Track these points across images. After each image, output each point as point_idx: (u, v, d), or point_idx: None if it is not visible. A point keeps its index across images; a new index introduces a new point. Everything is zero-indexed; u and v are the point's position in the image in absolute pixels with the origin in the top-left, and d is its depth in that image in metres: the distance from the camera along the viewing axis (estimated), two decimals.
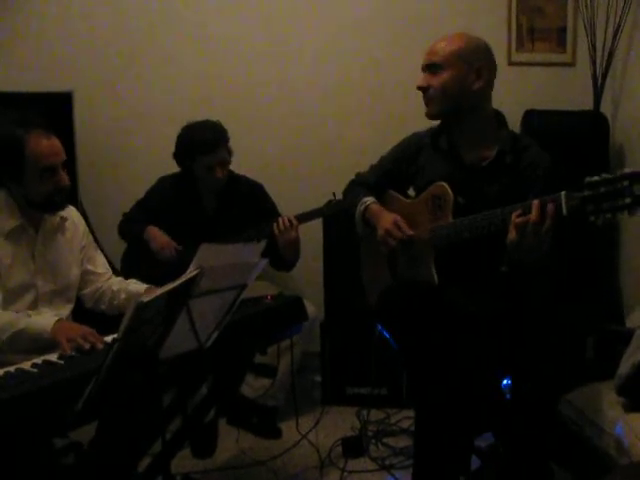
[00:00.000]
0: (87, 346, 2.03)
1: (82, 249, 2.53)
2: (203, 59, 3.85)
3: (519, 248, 2.09)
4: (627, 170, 1.88)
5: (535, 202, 2.05)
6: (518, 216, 2.08)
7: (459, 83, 2.34)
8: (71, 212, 2.51)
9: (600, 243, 3.43)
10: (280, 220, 3.12)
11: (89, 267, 2.55)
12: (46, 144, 2.24)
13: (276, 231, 3.10)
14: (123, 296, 2.51)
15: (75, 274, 2.49)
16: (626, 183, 1.86)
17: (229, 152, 3.28)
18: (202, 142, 3.19)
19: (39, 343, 2.15)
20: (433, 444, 2.23)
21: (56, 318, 2.23)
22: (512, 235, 2.09)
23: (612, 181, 1.90)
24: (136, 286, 2.52)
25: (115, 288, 2.54)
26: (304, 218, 3.22)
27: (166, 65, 3.86)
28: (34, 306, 2.35)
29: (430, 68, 2.39)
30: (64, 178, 2.30)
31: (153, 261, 3.23)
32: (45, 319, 2.23)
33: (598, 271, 3.46)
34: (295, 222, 3.11)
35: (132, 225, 3.38)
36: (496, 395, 2.36)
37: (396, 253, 2.56)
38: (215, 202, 3.37)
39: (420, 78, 2.42)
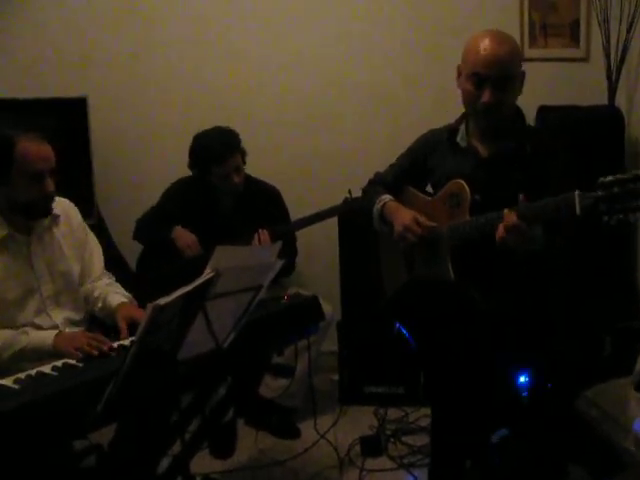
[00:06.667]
0: (95, 352, 2.02)
1: (80, 243, 2.47)
2: (216, 64, 3.86)
3: (506, 244, 2.14)
4: None
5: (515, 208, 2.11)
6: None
7: (518, 91, 2.34)
8: (64, 207, 2.45)
9: (616, 241, 3.41)
10: (257, 235, 3.20)
11: (86, 263, 2.49)
12: (36, 149, 2.21)
13: (255, 243, 3.17)
14: (100, 305, 2.45)
15: (76, 269, 2.44)
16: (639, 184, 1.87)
17: (243, 155, 3.29)
18: (215, 153, 3.21)
19: (44, 356, 2.11)
20: (449, 441, 2.23)
21: (56, 331, 2.21)
22: (499, 231, 2.13)
23: (626, 182, 1.90)
24: (115, 297, 2.44)
25: (96, 294, 2.47)
26: (321, 217, 3.25)
27: (180, 71, 3.87)
28: (41, 311, 2.31)
29: (503, 81, 2.28)
30: (49, 185, 2.25)
31: (172, 263, 3.26)
32: (45, 333, 2.21)
33: (614, 268, 3.44)
34: (267, 242, 3.17)
35: (156, 227, 3.38)
36: (512, 392, 2.35)
37: (413, 251, 2.56)
38: (231, 204, 3.38)
39: (490, 94, 2.27)
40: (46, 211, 2.32)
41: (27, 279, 2.30)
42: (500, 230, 2.13)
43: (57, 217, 2.40)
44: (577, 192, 2.00)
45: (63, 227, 2.43)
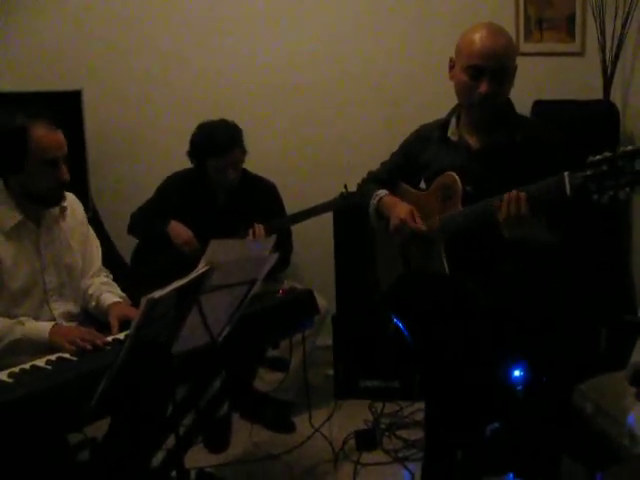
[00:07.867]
0: (88, 346, 2.02)
1: (83, 237, 2.47)
2: (212, 56, 3.85)
3: (506, 225, 2.15)
4: (628, 147, 1.91)
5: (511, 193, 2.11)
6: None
7: (512, 84, 2.36)
8: (69, 200, 2.43)
9: (612, 233, 3.41)
10: (251, 230, 3.20)
11: (87, 258, 2.49)
12: (50, 136, 2.20)
13: (250, 237, 3.17)
14: (93, 304, 2.44)
15: (80, 263, 2.44)
16: (627, 160, 1.90)
17: (243, 152, 3.28)
18: (214, 145, 3.19)
19: (39, 348, 2.10)
20: (443, 435, 2.24)
21: (52, 323, 2.21)
22: (501, 213, 2.14)
23: (613, 159, 1.92)
24: (109, 296, 2.43)
25: (91, 292, 2.46)
26: (317, 211, 3.25)
27: (175, 63, 3.86)
28: (43, 303, 2.30)
29: (499, 73, 2.29)
30: (65, 172, 2.25)
31: (167, 257, 3.25)
32: (41, 325, 2.20)
33: (611, 262, 3.45)
34: (261, 237, 3.16)
35: (151, 221, 3.38)
36: (508, 386, 2.36)
37: (409, 245, 2.56)
38: (227, 198, 3.38)
39: (487, 85, 2.27)
40: (59, 199, 2.32)
41: (33, 269, 2.29)
42: (502, 207, 2.14)
43: (65, 209, 2.40)
44: (566, 173, 2.01)
45: (69, 220, 2.43)
